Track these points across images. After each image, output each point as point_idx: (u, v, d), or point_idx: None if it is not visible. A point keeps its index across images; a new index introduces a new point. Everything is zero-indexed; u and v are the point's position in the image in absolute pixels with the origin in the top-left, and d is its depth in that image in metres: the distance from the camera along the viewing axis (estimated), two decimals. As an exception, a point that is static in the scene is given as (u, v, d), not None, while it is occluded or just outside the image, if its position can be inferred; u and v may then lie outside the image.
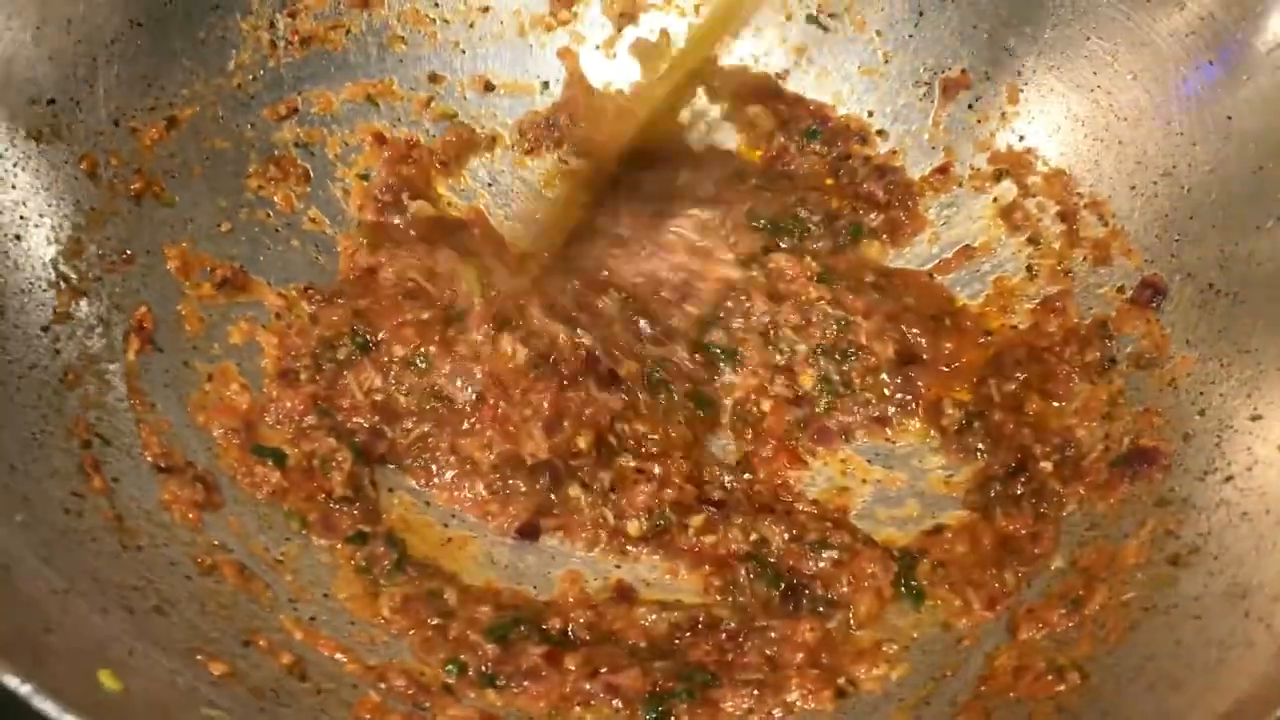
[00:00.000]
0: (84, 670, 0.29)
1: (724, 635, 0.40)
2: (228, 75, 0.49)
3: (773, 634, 0.40)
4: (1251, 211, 0.44)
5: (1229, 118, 0.46)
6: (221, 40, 0.49)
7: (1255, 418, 0.41)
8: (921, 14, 0.53)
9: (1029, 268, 0.50)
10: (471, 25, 0.55)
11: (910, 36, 0.54)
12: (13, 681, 0.27)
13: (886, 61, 0.54)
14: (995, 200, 0.52)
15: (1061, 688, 0.36)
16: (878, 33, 0.54)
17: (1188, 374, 0.44)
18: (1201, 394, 0.43)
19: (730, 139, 0.55)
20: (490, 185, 0.53)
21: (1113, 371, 0.45)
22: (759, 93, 0.56)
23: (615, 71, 0.56)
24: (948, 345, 0.49)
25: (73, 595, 0.33)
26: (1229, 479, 0.40)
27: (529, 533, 0.43)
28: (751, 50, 0.56)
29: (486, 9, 0.54)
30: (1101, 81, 0.50)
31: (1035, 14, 0.50)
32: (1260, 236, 0.44)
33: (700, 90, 0.55)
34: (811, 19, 0.55)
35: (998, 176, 0.52)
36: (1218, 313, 0.44)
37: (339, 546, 0.42)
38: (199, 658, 0.34)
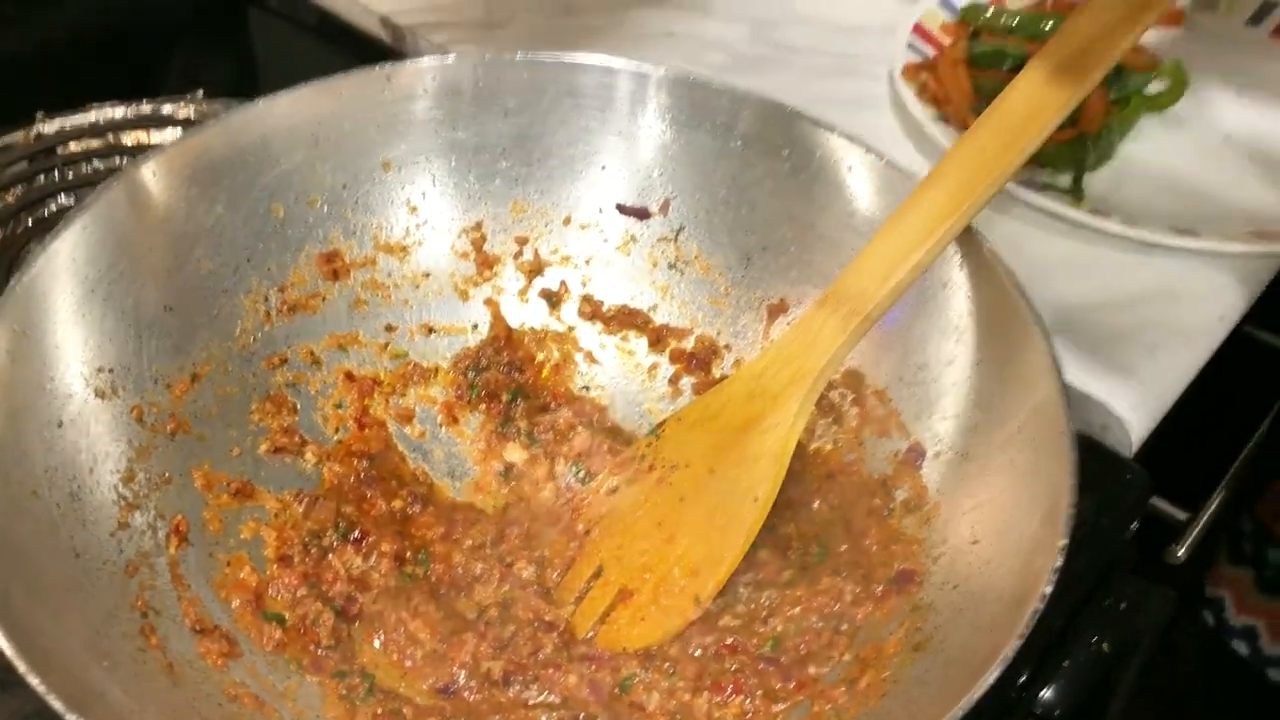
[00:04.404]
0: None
1: None
2: (235, 339, 0.66)
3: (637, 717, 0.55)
4: (975, 394, 0.62)
5: (957, 327, 0.64)
6: (230, 314, 0.65)
7: (974, 542, 0.56)
8: (749, 259, 0.71)
9: (835, 441, 0.66)
10: (417, 287, 0.72)
11: (743, 275, 0.71)
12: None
13: (727, 294, 0.71)
14: (811, 394, 0.68)
15: (832, 734, 0.51)
16: (719, 274, 0.72)
17: (937, 514, 0.60)
18: (945, 527, 0.59)
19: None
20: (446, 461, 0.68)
21: (889, 517, 0.62)
22: (635, 321, 0.73)
23: (528, 313, 0.74)
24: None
25: (145, 714, 0.48)
26: (956, 587, 0.55)
27: (448, 692, 0.57)
28: (630, 291, 0.74)
29: (428, 274, 0.72)
30: (878, 303, 0.67)
31: (827, 265, 0.66)
32: (982, 411, 0.60)
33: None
34: (671, 266, 0.73)
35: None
36: (957, 469, 0.60)
37: (326, 680, 0.56)
38: (231, 752, 0.49)
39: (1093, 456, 0.74)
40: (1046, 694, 0.65)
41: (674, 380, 0.71)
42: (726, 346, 0.71)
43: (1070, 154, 0.85)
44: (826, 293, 0.61)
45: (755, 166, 0.70)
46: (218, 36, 1.03)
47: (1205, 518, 0.86)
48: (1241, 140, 0.91)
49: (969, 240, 0.62)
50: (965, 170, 0.61)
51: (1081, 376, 0.75)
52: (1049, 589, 0.48)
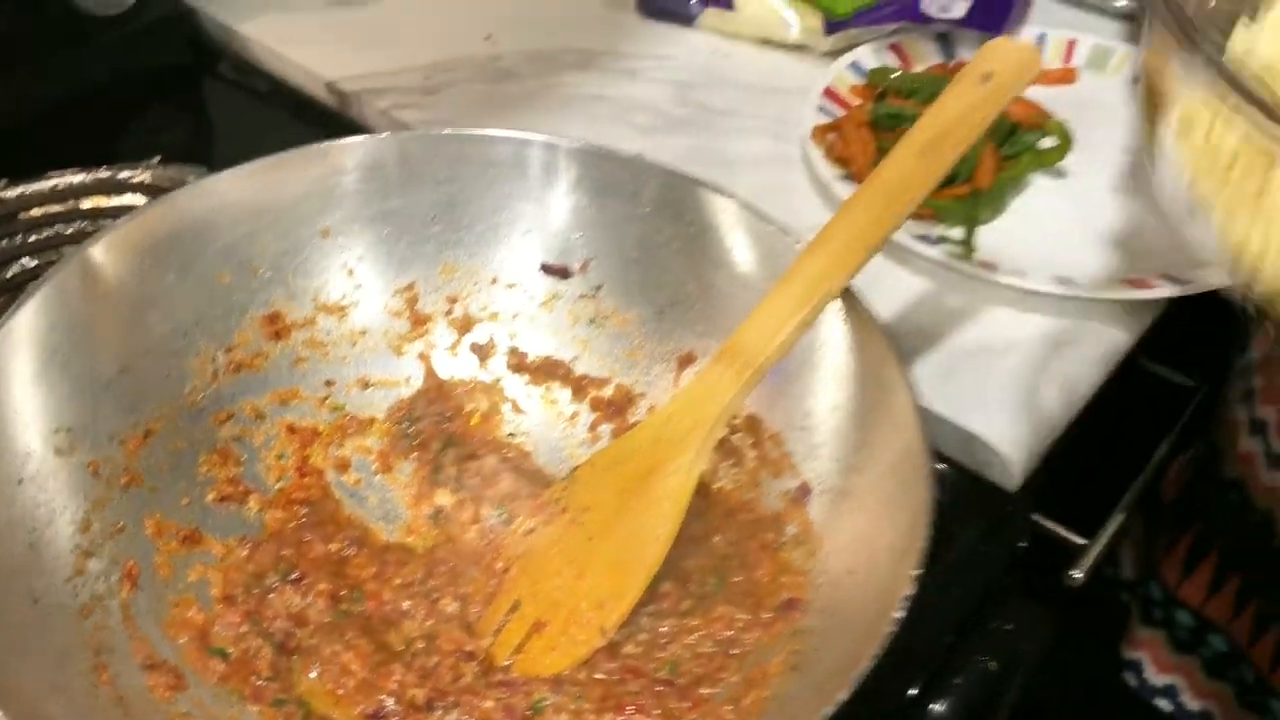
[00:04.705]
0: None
1: None
2: (184, 398, 0.71)
3: None
4: (854, 438, 0.68)
5: (838, 377, 0.70)
6: (179, 374, 0.71)
7: (849, 572, 0.62)
8: (661, 314, 0.77)
9: (736, 481, 0.71)
10: (354, 344, 0.78)
11: (655, 329, 0.76)
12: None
13: (641, 346, 0.77)
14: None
15: (714, 747, 0.57)
16: (635, 328, 0.77)
17: (821, 547, 0.66)
18: (827, 559, 0.65)
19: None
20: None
21: (780, 550, 0.68)
22: (558, 373, 0.80)
23: (458, 366, 0.80)
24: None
25: (97, 743, 0.53)
26: (832, 613, 0.61)
27: (377, 717, 0.62)
28: (553, 345, 0.80)
29: (364, 332, 0.78)
30: (773, 356, 0.74)
31: (728, 320, 0.71)
32: (859, 453, 0.67)
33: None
34: (591, 321, 0.79)
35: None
36: (838, 505, 0.66)
37: (265, 709, 0.61)
38: (177, 772, 0.54)
39: (978, 490, 0.81)
40: (937, 708, 0.72)
41: (593, 426, 0.77)
42: (641, 394, 0.77)
43: (964, 209, 0.92)
44: (723, 347, 0.68)
45: (663, 230, 0.76)
46: (174, 105, 1.09)
47: (1102, 543, 0.92)
48: (1124, 194, 0.98)
49: (849, 299, 0.68)
50: (843, 238, 0.68)
51: (969, 416, 0.82)
52: (901, 614, 0.55)
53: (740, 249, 0.74)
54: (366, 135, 0.75)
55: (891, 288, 0.89)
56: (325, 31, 1.12)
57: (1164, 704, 0.94)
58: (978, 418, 0.81)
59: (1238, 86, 0.56)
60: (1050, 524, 0.88)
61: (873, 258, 0.69)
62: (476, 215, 0.78)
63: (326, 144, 0.74)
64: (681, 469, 0.66)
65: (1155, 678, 0.95)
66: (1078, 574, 0.91)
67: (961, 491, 0.80)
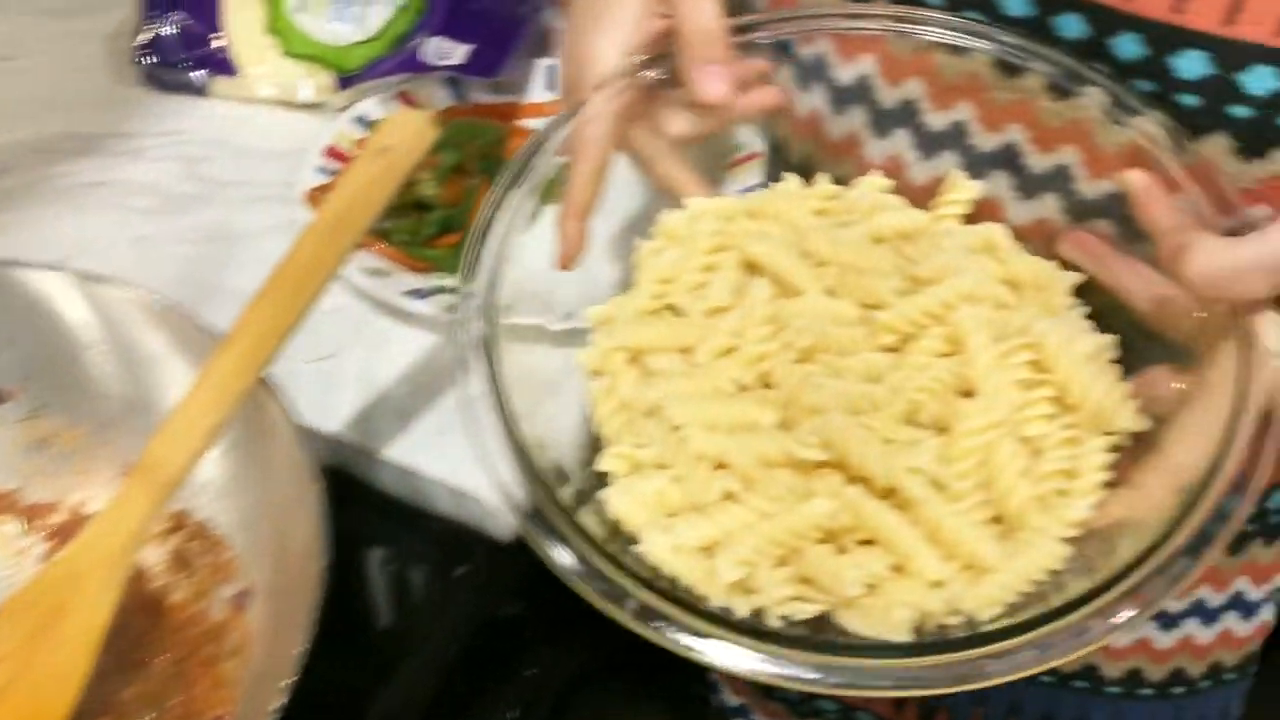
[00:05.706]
0: None
1: None
2: None
3: None
4: (277, 532, 0.66)
5: (271, 470, 0.68)
6: None
7: (259, 681, 0.62)
8: (105, 425, 0.73)
9: (188, 591, 0.68)
10: None
11: (102, 442, 0.73)
12: None
13: (92, 461, 0.73)
14: (170, 549, 0.71)
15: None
16: (82, 443, 0.73)
17: (253, 656, 0.65)
18: (254, 666, 0.64)
19: None
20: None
21: (219, 663, 0.66)
22: (3, 505, 0.75)
23: None
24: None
25: None
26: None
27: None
28: None
29: None
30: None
31: None
32: (281, 546, 0.65)
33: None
34: (34, 445, 0.74)
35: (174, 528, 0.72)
36: (267, 606, 0.65)
37: None
38: None
39: (475, 545, 0.81)
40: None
41: (47, 557, 0.73)
42: (95, 515, 0.73)
43: (460, 257, 0.92)
44: (137, 464, 0.65)
45: (83, 339, 0.73)
46: None
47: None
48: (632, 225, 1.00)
49: (264, 392, 0.67)
50: (253, 333, 0.66)
51: (461, 474, 0.81)
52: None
53: (167, 348, 0.71)
54: None
55: (394, 349, 0.88)
56: None
57: None
58: (470, 474, 0.81)
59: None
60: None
61: (287, 342, 0.67)
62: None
63: None
64: (89, 604, 0.62)
65: (730, 699, 0.98)
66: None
67: (459, 549, 0.80)
